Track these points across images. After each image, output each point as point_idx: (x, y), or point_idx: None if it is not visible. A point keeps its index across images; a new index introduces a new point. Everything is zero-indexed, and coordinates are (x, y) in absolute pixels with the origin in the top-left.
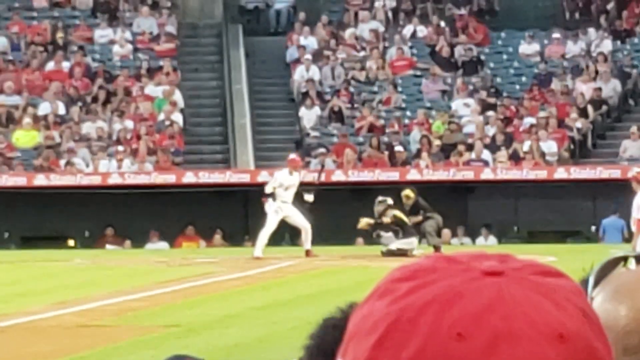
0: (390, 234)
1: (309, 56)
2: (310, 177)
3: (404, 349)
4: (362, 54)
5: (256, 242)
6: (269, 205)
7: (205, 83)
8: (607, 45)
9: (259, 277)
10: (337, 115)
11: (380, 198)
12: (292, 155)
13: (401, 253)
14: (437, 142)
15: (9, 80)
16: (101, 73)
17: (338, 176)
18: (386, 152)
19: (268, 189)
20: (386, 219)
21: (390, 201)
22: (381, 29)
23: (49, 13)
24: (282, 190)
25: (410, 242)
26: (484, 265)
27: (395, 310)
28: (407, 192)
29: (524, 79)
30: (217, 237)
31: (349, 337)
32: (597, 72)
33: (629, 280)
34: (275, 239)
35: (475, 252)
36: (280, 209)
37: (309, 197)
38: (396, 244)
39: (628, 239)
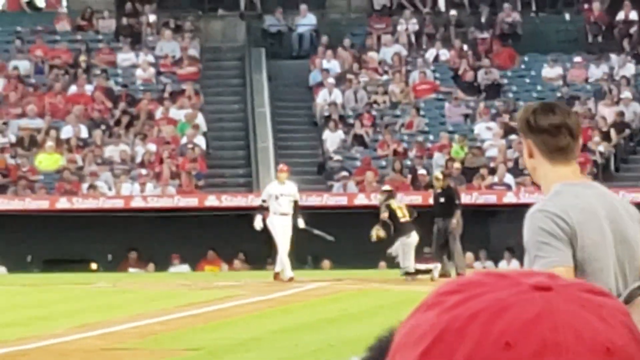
0: (396, 244)
1: (331, 80)
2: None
3: (451, 358)
4: (384, 77)
5: (280, 265)
6: (257, 221)
7: (228, 106)
8: (630, 69)
9: (281, 300)
10: (359, 139)
11: (383, 187)
12: (281, 165)
13: (420, 272)
14: (456, 165)
15: (32, 104)
16: (124, 96)
17: (360, 200)
18: (409, 176)
19: (261, 203)
20: (384, 214)
21: (389, 188)
22: (404, 52)
23: (71, 37)
24: (274, 201)
25: (434, 266)
26: (532, 280)
27: (444, 321)
28: (437, 174)
29: None
30: (239, 261)
31: (396, 348)
32: (619, 95)
33: None
34: (298, 262)
35: (523, 270)
36: (275, 221)
37: (301, 223)
38: (410, 263)
39: None
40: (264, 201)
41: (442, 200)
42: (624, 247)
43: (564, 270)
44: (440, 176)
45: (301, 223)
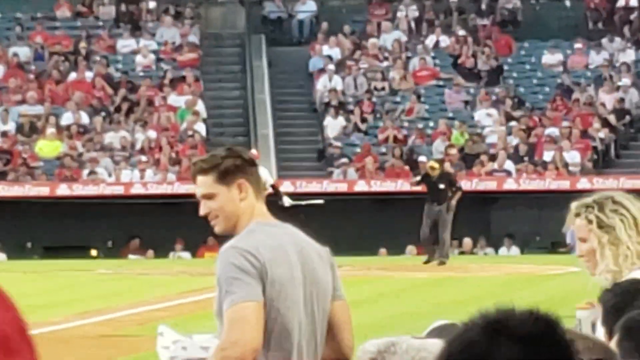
0: None
1: (331, 66)
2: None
3: None
4: (384, 64)
5: None
6: None
7: (228, 93)
8: (630, 55)
9: None
10: (359, 126)
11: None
12: (253, 151)
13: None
14: (453, 152)
15: (32, 90)
16: (124, 83)
17: (361, 186)
18: (409, 163)
19: None
20: None
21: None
22: (404, 39)
23: (71, 23)
24: None
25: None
26: None
27: None
28: (432, 163)
29: (546, 89)
30: None
31: None
32: (620, 82)
33: None
34: None
35: None
36: None
37: (287, 201)
38: None
39: None
40: None
41: (441, 186)
42: (313, 287)
43: (253, 305)
44: (436, 165)
45: (287, 201)
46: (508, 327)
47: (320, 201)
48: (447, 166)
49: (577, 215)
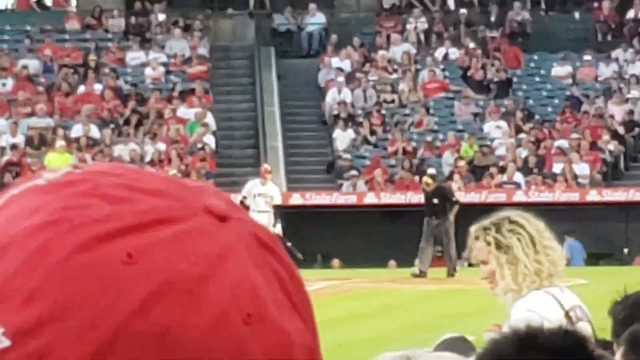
0: None
1: (341, 78)
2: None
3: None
4: (394, 76)
5: None
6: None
7: (237, 105)
8: (639, 67)
9: None
10: (369, 138)
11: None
12: (266, 166)
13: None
14: (461, 164)
15: (41, 103)
16: (133, 95)
17: (370, 198)
18: (418, 175)
19: (237, 198)
20: None
21: None
22: (413, 51)
23: (81, 36)
24: (252, 199)
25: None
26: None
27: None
28: (426, 178)
29: (556, 101)
30: None
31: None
32: (629, 94)
33: None
34: (308, 261)
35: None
36: (259, 218)
37: (278, 228)
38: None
39: (589, 261)
40: (244, 197)
41: (435, 201)
42: None
43: None
44: (430, 180)
45: (278, 228)
46: (537, 341)
47: (300, 256)
48: (457, 179)
49: (477, 238)
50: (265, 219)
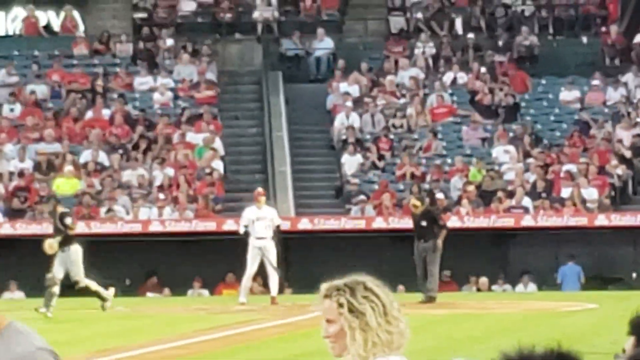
0: None
1: (349, 103)
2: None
3: None
4: (402, 101)
5: (274, 289)
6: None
7: (246, 130)
8: None
9: (300, 324)
10: (377, 163)
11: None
12: (258, 189)
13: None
14: (470, 188)
15: (49, 128)
16: (141, 120)
17: (378, 223)
18: (427, 200)
19: (241, 230)
20: None
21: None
22: (421, 76)
23: (89, 61)
24: (251, 225)
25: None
26: None
27: None
28: (413, 201)
29: (564, 125)
30: (257, 285)
31: None
32: (637, 118)
33: None
34: (316, 286)
35: None
36: (257, 245)
37: (272, 256)
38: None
39: (597, 286)
40: (246, 226)
41: (423, 223)
42: None
43: None
44: (418, 203)
45: (272, 256)
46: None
47: (274, 294)
48: (465, 203)
49: (327, 296)
50: (264, 244)
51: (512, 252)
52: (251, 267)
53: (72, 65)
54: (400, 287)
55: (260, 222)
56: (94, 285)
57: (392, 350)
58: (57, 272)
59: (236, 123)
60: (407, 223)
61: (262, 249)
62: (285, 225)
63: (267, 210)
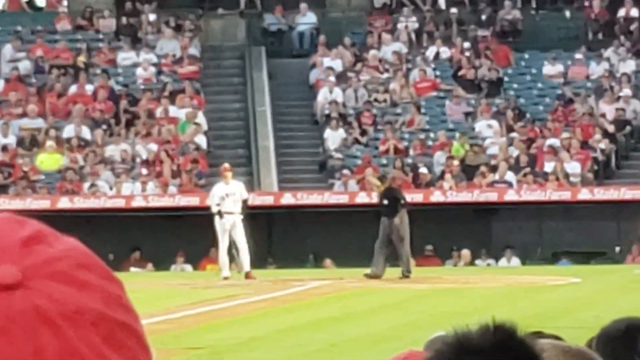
0: None
1: (332, 78)
2: None
3: None
4: (385, 75)
5: (219, 264)
6: (217, 219)
7: (229, 105)
8: (630, 65)
9: (283, 299)
10: (360, 138)
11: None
12: (225, 165)
13: None
14: (454, 163)
15: (32, 104)
16: (124, 96)
17: (361, 198)
18: (410, 174)
19: (214, 209)
20: None
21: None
22: (404, 50)
23: (72, 36)
24: (221, 202)
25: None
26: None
27: None
28: (374, 180)
29: (547, 100)
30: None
31: None
32: (620, 93)
33: None
34: (300, 261)
35: None
36: (226, 222)
37: (240, 232)
38: None
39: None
40: (217, 205)
41: (385, 202)
42: None
43: None
44: (378, 182)
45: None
46: (472, 343)
47: (227, 274)
48: (448, 178)
49: None
50: (233, 219)
51: (496, 226)
52: (223, 241)
53: (55, 41)
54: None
55: (230, 198)
56: None
57: None
58: None
59: (219, 98)
60: None
61: (231, 224)
62: (269, 200)
63: (235, 185)
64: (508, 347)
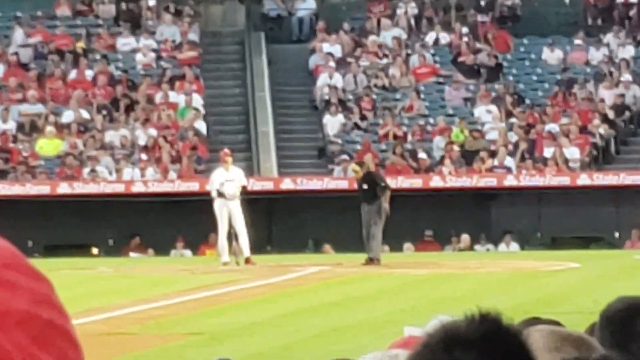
0: None
1: (331, 63)
2: None
3: None
4: (384, 61)
5: (218, 249)
6: (216, 204)
7: (228, 91)
8: (629, 51)
9: (283, 284)
10: (359, 123)
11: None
12: (225, 150)
13: None
14: (453, 148)
15: (32, 89)
16: (124, 81)
17: None
18: (409, 160)
19: (214, 194)
20: None
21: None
22: (403, 36)
23: (71, 22)
24: (221, 188)
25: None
26: None
27: None
28: (353, 166)
29: (546, 85)
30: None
31: None
32: (619, 78)
33: None
34: (299, 246)
35: None
36: (225, 207)
37: (240, 220)
38: None
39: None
40: (218, 190)
41: (364, 186)
42: None
43: None
44: (357, 167)
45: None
46: (459, 334)
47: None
48: (448, 163)
49: None
50: (233, 205)
51: (495, 211)
52: (222, 226)
53: (54, 27)
54: (385, 247)
55: (230, 184)
56: None
57: None
58: None
59: (219, 84)
60: (390, 183)
61: (230, 209)
62: (268, 186)
63: (235, 171)
64: (495, 337)
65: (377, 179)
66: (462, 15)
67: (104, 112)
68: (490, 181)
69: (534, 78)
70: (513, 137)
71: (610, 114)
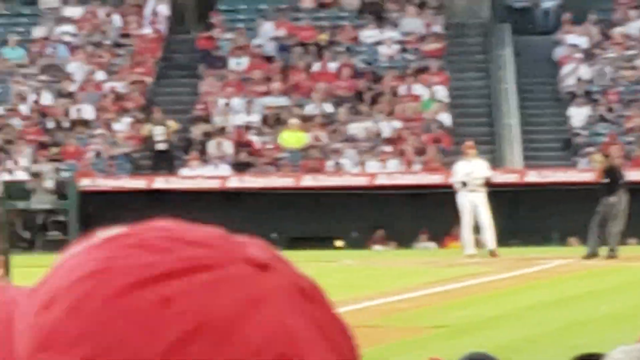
0: None
1: (577, 55)
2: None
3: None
4: (630, 52)
5: (462, 242)
6: (460, 197)
7: (472, 83)
8: None
9: (527, 277)
10: (605, 115)
11: None
12: (468, 142)
13: None
14: None
15: (276, 82)
16: (368, 74)
17: None
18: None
19: (457, 186)
20: None
21: None
22: None
23: (315, 14)
24: (466, 179)
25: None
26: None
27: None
28: (596, 156)
29: None
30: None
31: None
32: None
33: None
34: (543, 238)
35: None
36: (469, 200)
37: (484, 212)
38: None
39: None
40: (462, 182)
41: (606, 180)
42: None
43: None
44: (600, 158)
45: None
46: None
47: (492, 247)
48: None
49: None
50: (476, 197)
51: None
52: (465, 219)
53: (298, 19)
54: (632, 240)
55: (472, 176)
56: None
57: None
58: None
59: (463, 75)
60: (637, 176)
61: (474, 202)
62: (513, 178)
63: (478, 163)
64: None
65: (617, 174)
66: None
67: (348, 104)
68: None
69: None
70: None
71: None
